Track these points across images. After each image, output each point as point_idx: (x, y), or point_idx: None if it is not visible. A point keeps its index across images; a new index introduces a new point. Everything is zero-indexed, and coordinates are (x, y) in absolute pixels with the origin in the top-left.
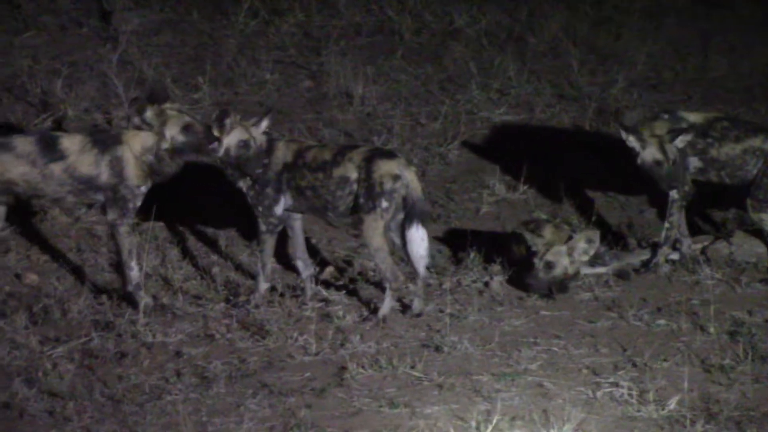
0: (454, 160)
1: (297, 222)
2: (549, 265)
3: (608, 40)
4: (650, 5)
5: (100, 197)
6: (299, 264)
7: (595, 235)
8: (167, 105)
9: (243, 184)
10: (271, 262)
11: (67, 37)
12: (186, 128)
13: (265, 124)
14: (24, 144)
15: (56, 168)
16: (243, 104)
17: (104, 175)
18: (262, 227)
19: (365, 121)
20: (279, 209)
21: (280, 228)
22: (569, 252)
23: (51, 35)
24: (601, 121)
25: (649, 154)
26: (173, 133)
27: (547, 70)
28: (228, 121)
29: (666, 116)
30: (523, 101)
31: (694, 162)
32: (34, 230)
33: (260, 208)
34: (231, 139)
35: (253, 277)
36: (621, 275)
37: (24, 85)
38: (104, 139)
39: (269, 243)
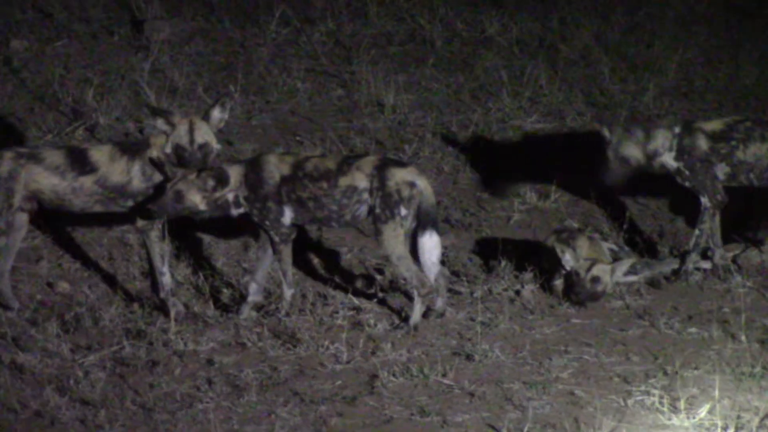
0: (485, 169)
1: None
2: (595, 280)
3: (639, 48)
4: (682, 13)
5: (129, 204)
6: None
7: (637, 262)
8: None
9: (235, 211)
10: (292, 269)
11: (99, 46)
12: (175, 147)
13: None
14: (53, 156)
15: (87, 181)
16: (274, 113)
17: (135, 181)
18: (276, 239)
19: (396, 129)
20: (287, 219)
21: (294, 236)
22: (612, 271)
23: (82, 44)
24: None
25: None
26: (169, 144)
27: (579, 78)
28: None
29: (677, 128)
30: (554, 109)
31: (723, 168)
32: (66, 239)
33: (267, 222)
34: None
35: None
36: (652, 283)
37: (55, 93)
38: (133, 146)
39: (286, 252)
